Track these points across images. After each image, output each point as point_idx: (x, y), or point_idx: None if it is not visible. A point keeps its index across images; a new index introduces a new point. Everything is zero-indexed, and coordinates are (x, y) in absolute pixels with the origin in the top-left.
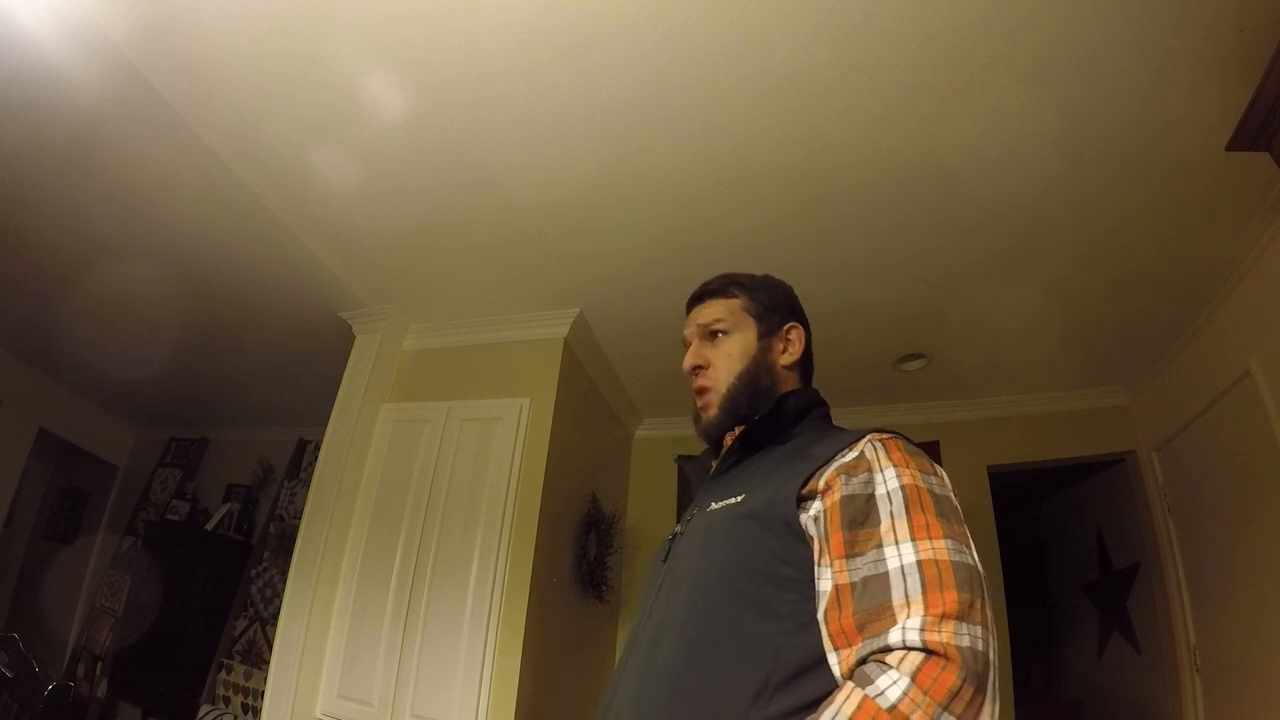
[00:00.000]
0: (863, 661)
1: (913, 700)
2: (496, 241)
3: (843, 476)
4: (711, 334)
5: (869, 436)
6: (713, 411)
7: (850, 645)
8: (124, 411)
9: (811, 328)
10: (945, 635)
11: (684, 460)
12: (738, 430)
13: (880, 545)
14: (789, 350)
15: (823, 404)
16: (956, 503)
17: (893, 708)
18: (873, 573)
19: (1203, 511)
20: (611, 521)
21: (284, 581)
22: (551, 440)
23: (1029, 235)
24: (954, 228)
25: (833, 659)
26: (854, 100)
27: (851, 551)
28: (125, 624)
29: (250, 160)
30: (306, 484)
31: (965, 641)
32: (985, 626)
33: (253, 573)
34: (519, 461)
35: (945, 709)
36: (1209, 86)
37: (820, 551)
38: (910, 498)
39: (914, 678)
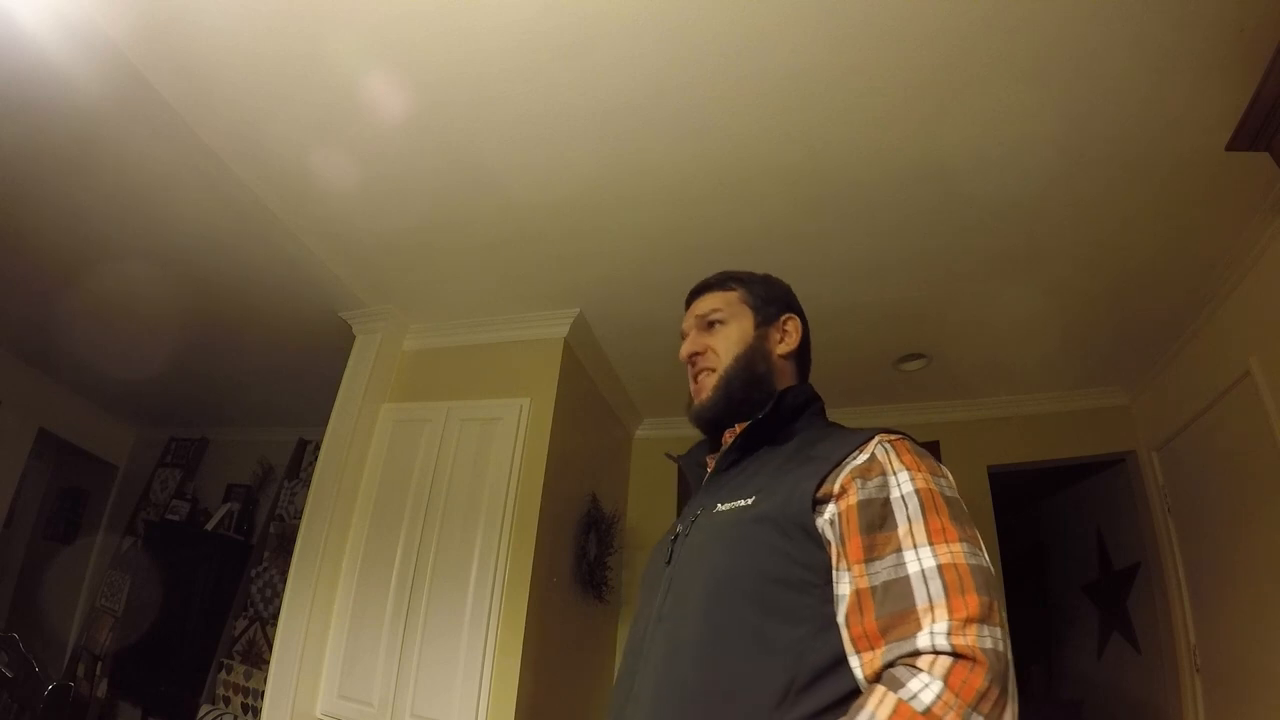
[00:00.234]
0: (890, 665)
1: (945, 703)
2: (496, 241)
3: (858, 480)
4: (709, 324)
5: (878, 437)
6: (706, 394)
7: (873, 648)
8: (124, 411)
9: (811, 328)
10: (970, 639)
11: (677, 457)
12: (738, 428)
13: (899, 549)
14: (785, 340)
15: (818, 399)
16: (963, 504)
17: (927, 710)
18: (893, 577)
19: (1203, 511)
20: (611, 521)
21: (284, 581)
22: (551, 440)
23: (1029, 235)
24: (954, 228)
25: (854, 661)
26: (854, 100)
27: (870, 555)
28: (125, 624)
29: (250, 160)
30: (306, 484)
31: (988, 644)
32: (1002, 628)
33: (253, 573)
34: (519, 461)
35: (975, 709)
36: (1209, 86)
37: (838, 556)
38: (925, 501)
39: (946, 680)
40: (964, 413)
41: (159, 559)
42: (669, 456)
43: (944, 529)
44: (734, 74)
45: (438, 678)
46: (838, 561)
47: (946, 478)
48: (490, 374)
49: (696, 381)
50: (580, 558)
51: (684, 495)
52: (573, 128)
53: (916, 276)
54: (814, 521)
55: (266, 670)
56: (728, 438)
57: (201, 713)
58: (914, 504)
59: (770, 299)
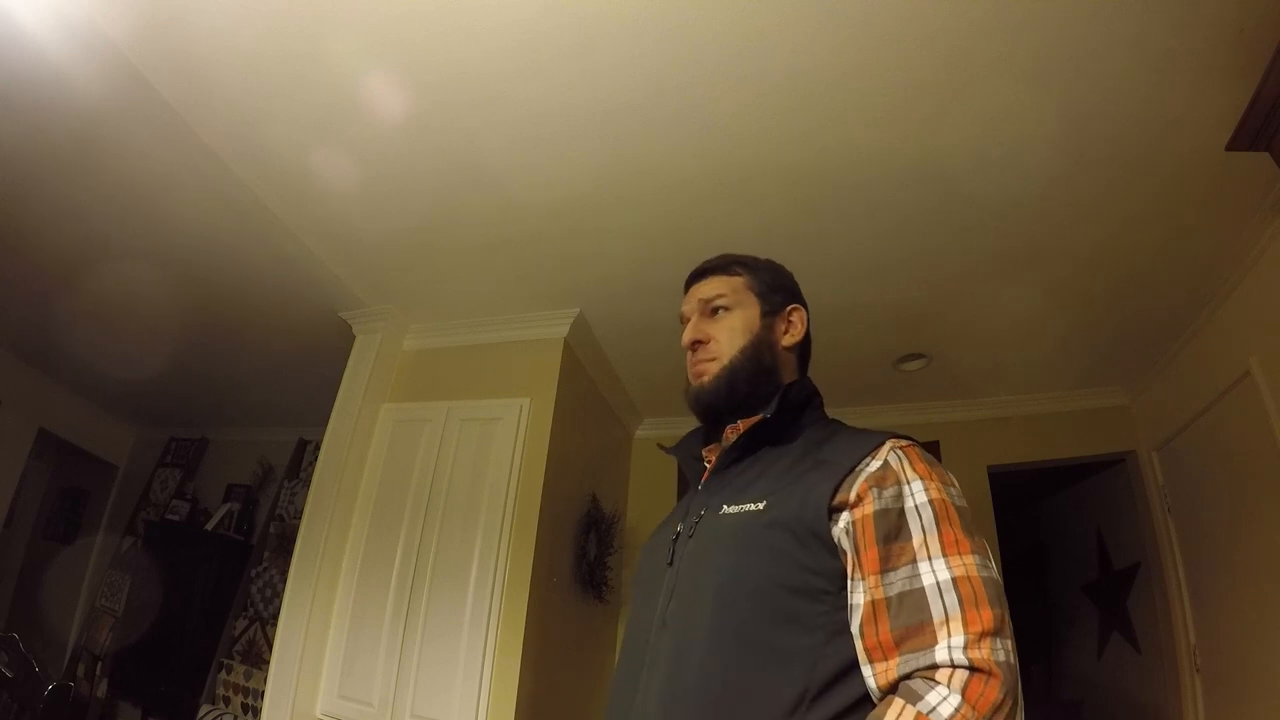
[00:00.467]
0: (906, 677)
1: (964, 715)
2: (497, 241)
3: (874, 489)
4: (713, 310)
5: (889, 444)
6: (707, 379)
7: (887, 659)
8: (124, 411)
9: (811, 328)
10: (985, 652)
11: (670, 449)
12: (741, 425)
13: (914, 560)
14: (790, 331)
15: (818, 394)
16: (970, 512)
17: None
18: (908, 588)
19: (1203, 511)
20: (611, 521)
21: (284, 581)
22: (551, 440)
23: (1029, 235)
24: (954, 228)
25: (867, 671)
26: (854, 100)
27: (885, 566)
28: (125, 624)
29: (250, 160)
30: (306, 484)
31: (1002, 656)
32: (1012, 639)
33: (253, 573)
34: (519, 461)
35: None
36: (1209, 86)
37: (853, 565)
38: (939, 512)
39: (963, 694)
40: (964, 413)
41: (159, 559)
42: (661, 448)
43: (957, 541)
44: (734, 74)
45: (438, 678)
46: (853, 571)
47: (956, 486)
48: (490, 374)
49: (696, 366)
50: (580, 558)
51: (684, 494)
52: (573, 128)
53: (917, 276)
54: (829, 529)
55: (266, 670)
56: (729, 434)
57: (201, 713)
58: (928, 515)
59: (776, 286)
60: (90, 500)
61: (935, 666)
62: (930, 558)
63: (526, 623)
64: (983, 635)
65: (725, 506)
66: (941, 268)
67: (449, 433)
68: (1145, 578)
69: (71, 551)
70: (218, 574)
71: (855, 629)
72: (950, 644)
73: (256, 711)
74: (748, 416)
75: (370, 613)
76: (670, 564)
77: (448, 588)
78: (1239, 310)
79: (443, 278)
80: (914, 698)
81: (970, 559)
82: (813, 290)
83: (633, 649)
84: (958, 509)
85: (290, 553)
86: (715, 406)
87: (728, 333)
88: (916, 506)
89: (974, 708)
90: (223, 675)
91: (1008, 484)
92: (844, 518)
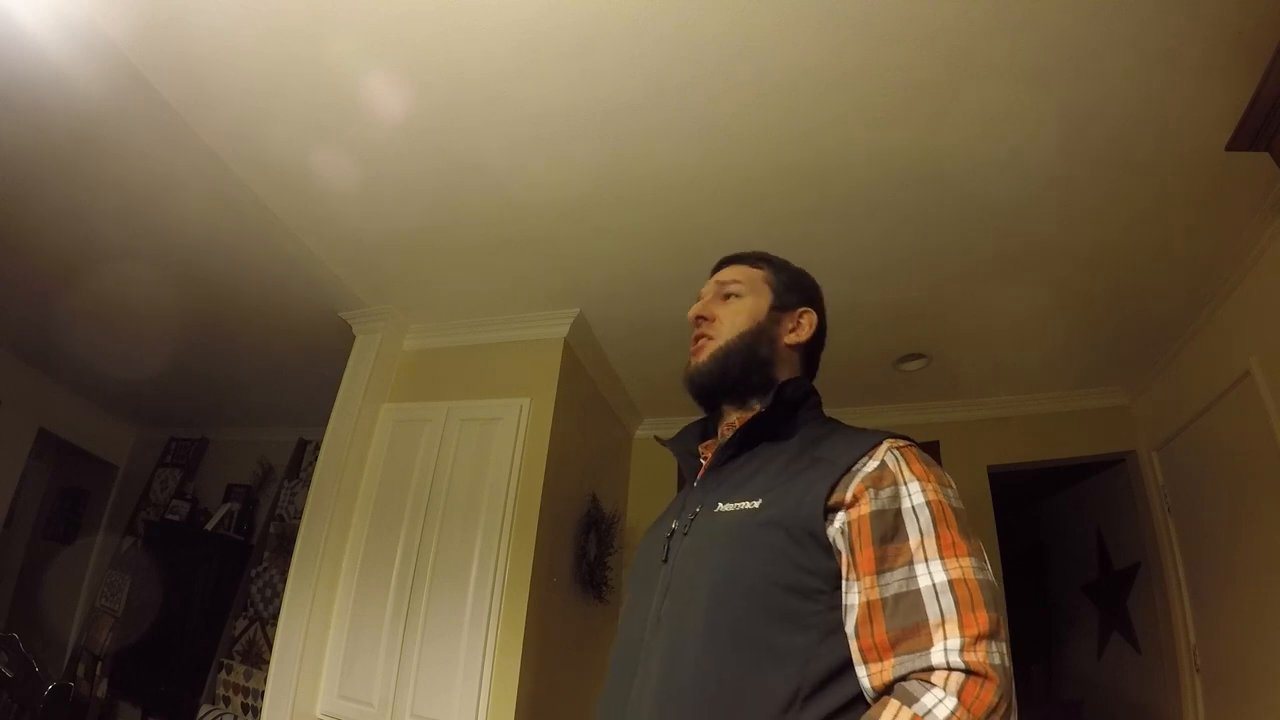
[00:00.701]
0: (901, 679)
1: (959, 718)
2: (496, 241)
3: (870, 490)
4: (726, 294)
5: (886, 444)
6: (702, 356)
7: (882, 660)
8: (124, 411)
9: (825, 338)
10: (981, 655)
11: (667, 441)
12: (736, 421)
13: (910, 562)
14: (797, 331)
15: (815, 393)
16: (967, 514)
17: None
18: (904, 590)
19: (1203, 511)
20: (611, 521)
21: (284, 581)
22: (551, 440)
23: (1029, 235)
24: (954, 228)
25: (861, 671)
26: (855, 101)
27: (881, 567)
28: (125, 624)
29: (250, 160)
30: (306, 484)
31: (997, 660)
32: (1007, 642)
33: (253, 573)
34: (519, 461)
35: None
36: (1209, 86)
37: (848, 566)
38: (936, 514)
39: (959, 696)
40: (964, 413)
41: (159, 559)
42: (658, 440)
43: (954, 543)
44: (734, 75)
45: (438, 678)
46: (848, 571)
47: (953, 487)
48: (490, 374)
49: (695, 344)
50: (580, 558)
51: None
52: (573, 128)
53: (916, 276)
54: (824, 529)
55: (266, 670)
56: (725, 431)
57: (201, 713)
58: (925, 516)
59: (794, 288)
60: (90, 500)
61: (931, 669)
62: (927, 559)
63: (526, 623)
64: (979, 638)
65: (721, 504)
66: (941, 268)
67: (449, 433)
68: (1145, 578)
69: (71, 551)
70: (218, 574)
71: (850, 629)
72: (946, 646)
73: (256, 711)
74: (738, 404)
75: (370, 613)
76: (665, 561)
77: (448, 588)
78: (1239, 310)
79: (443, 278)
80: (910, 700)
81: (967, 561)
82: None
83: (627, 646)
84: (954, 510)
85: (290, 553)
86: (706, 387)
87: (732, 315)
88: (914, 508)
89: (969, 711)
90: (223, 675)
91: (1008, 484)
92: (840, 518)
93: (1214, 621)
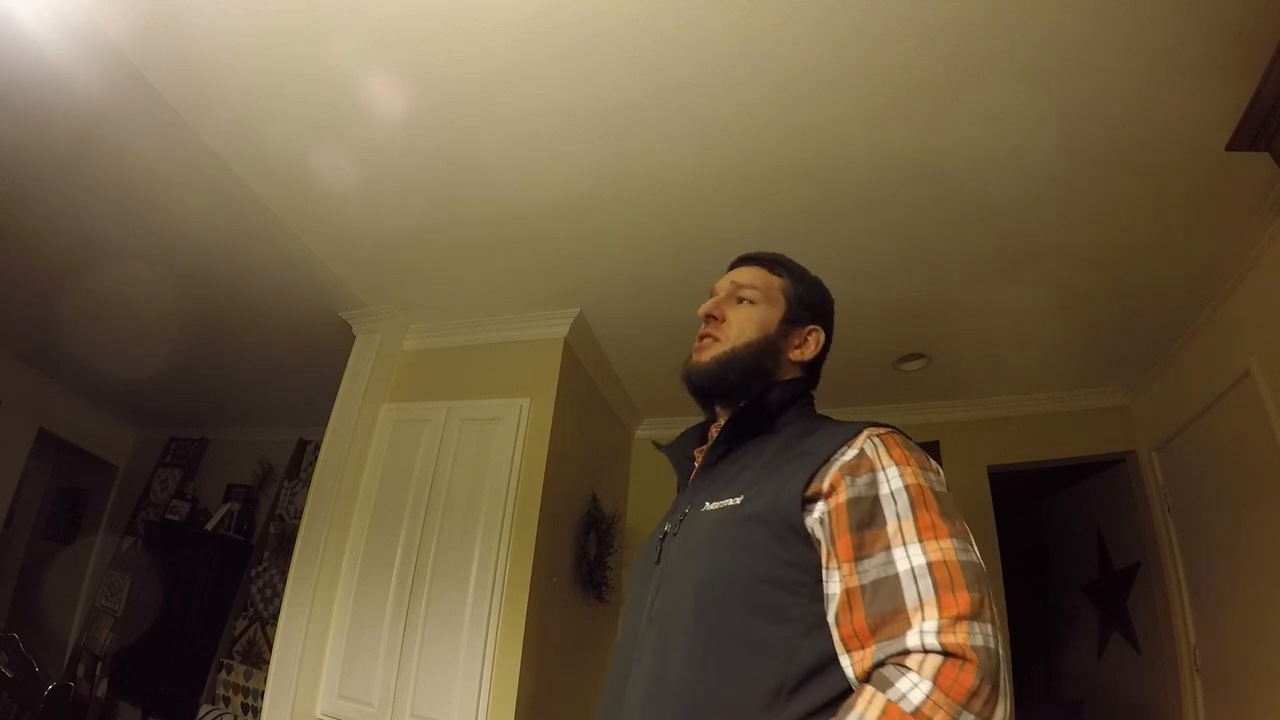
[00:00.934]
0: (880, 665)
1: (935, 702)
2: (497, 241)
3: (847, 477)
4: (739, 297)
5: (866, 432)
6: (705, 357)
7: (863, 647)
8: (124, 411)
9: (827, 358)
10: (960, 637)
11: (664, 446)
12: (721, 420)
13: (888, 547)
14: (803, 348)
15: (806, 394)
16: (952, 498)
17: (916, 710)
18: (882, 575)
19: (1203, 511)
20: (611, 521)
21: (284, 581)
22: (551, 440)
23: (1029, 235)
24: (954, 228)
25: (845, 661)
26: (854, 101)
27: (860, 554)
28: (125, 624)
29: (250, 160)
30: (306, 484)
31: (979, 641)
32: (994, 624)
33: (253, 573)
34: (519, 461)
35: (965, 708)
36: (1209, 86)
37: (827, 555)
38: (915, 497)
39: (935, 680)
40: (964, 413)
41: (159, 559)
42: (656, 446)
43: (934, 525)
44: (734, 75)
45: (438, 678)
46: (827, 560)
47: (936, 471)
48: (490, 374)
49: (700, 342)
50: (580, 558)
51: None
52: (573, 128)
53: (916, 276)
54: (803, 521)
55: (266, 670)
56: (713, 431)
57: (201, 713)
58: (903, 500)
59: (808, 303)
60: (90, 500)
61: (907, 652)
62: (905, 543)
63: (526, 623)
64: (958, 619)
65: (708, 503)
66: (941, 268)
67: (449, 433)
68: (1145, 578)
69: (71, 551)
70: (218, 574)
71: (831, 618)
72: (923, 629)
73: (256, 711)
74: (731, 407)
75: (370, 613)
76: (658, 562)
77: (448, 588)
78: (1239, 310)
79: (443, 278)
80: (885, 685)
81: (948, 543)
82: None
83: (624, 647)
84: (936, 494)
85: (290, 553)
86: (703, 388)
87: (742, 322)
88: (892, 493)
89: (947, 694)
90: (223, 675)
91: (1008, 484)
92: (819, 508)
93: (1214, 621)
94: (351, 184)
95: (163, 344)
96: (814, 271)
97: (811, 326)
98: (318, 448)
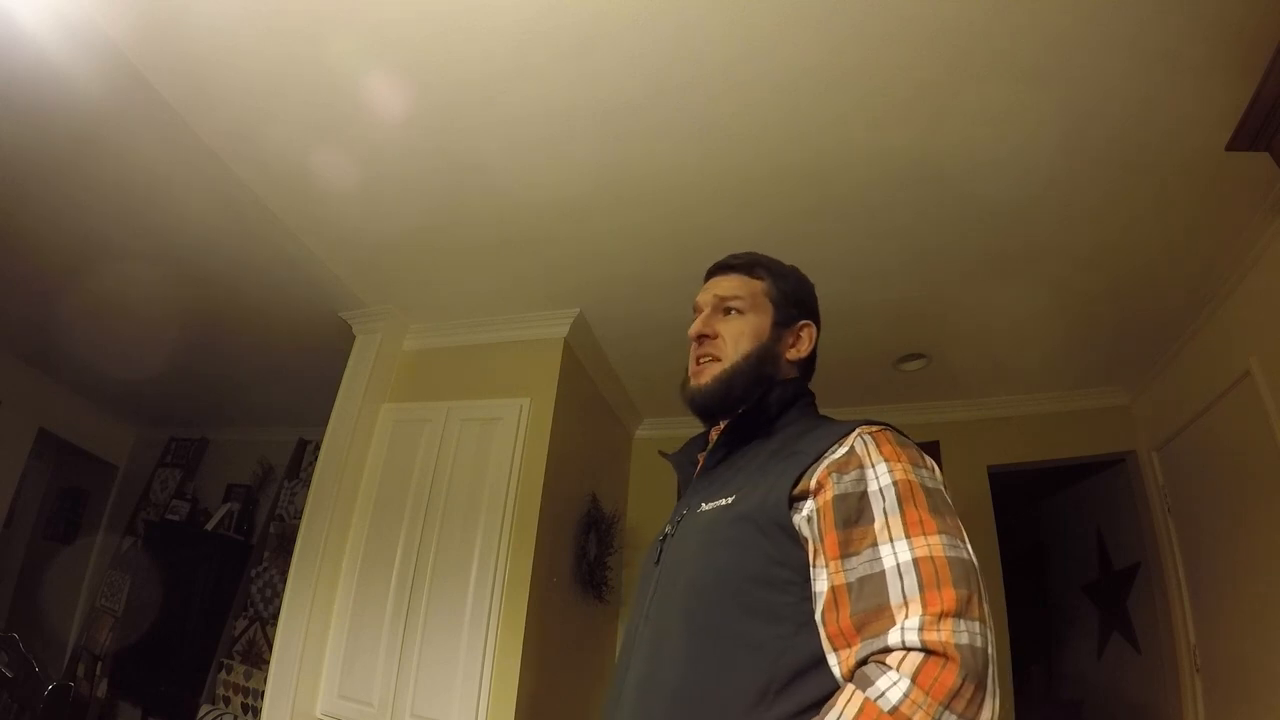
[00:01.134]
0: (863, 663)
1: (914, 701)
2: (496, 241)
3: (834, 475)
4: (726, 309)
5: (858, 430)
6: (705, 379)
7: (849, 646)
8: (124, 411)
9: (819, 347)
10: (944, 634)
11: (670, 455)
12: (722, 424)
13: (875, 544)
14: (797, 346)
15: (808, 394)
16: (948, 495)
17: (894, 709)
18: (868, 572)
19: (1203, 511)
20: (611, 521)
21: (284, 581)
22: (551, 440)
23: (1029, 235)
24: (954, 228)
25: (832, 660)
26: (854, 101)
27: (846, 551)
28: (125, 624)
29: (250, 160)
30: (306, 484)
31: (964, 639)
32: (983, 621)
33: (253, 573)
34: (519, 461)
35: (946, 708)
36: (1209, 86)
37: (815, 552)
38: (903, 493)
39: (914, 679)
40: (964, 413)
41: (159, 559)
42: (662, 454)
43: (922, 520)
44: (734, 75)
45: (438, 678)
46: (815, 558)
47: (929, 468)
48: (490, 374)
49: (698, 364)
50: (580, 558)
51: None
52: (573, 128)
53: (916, 277)
54: (791, 520)
55: (266, 670)
56: (714, 435)
57: (201, 713)
58: (891, 496)
59: (793, 299)
60: (90, 500)
61: (888, 650)
62: (892, 540)
63: (526, 623)
64: (943, 616)
65: (704, 504)
66: (941, 268)
67: (449, 433)
68: (1145, 578)
69: (71, 551)
70: (218, 574)
71: (818, 617)
72: (904, 626)
73: (256, 711)
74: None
75: (370, 613)
76: (657, 563)
77: (448, 588)
78: (1239, 310)
79: (443, 278)
80: (865, 683)
81: (936, 539)
82: None
83: (625, 647)
84: (927, 490)
85: (290, 553)
86: (708, 407)
87: (735, 335)
88: (880, 489)
89: (927, 693)
90: (223, 675)
91: (1008, 484)
92: (807, 506)
93: (1214, 621)
94: (351, 184)
95: (163, 344)
96: (814, 271)
97: (803, 322)
98: (318, 448)
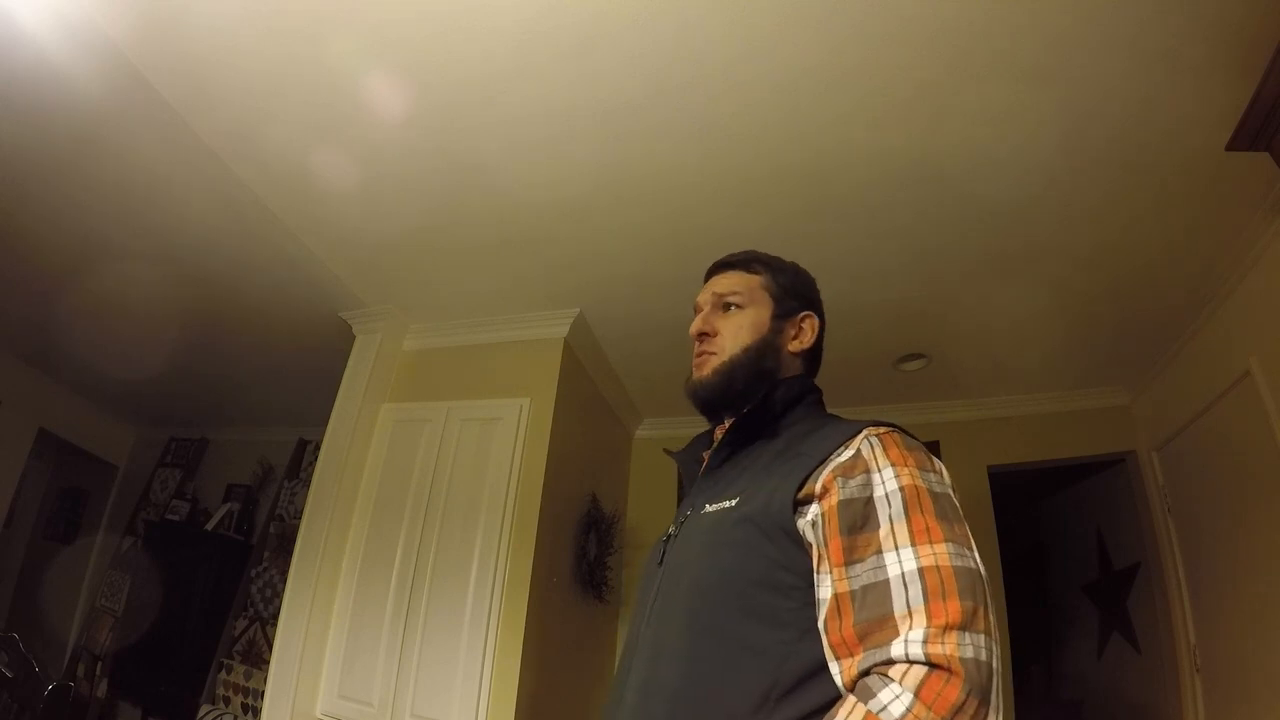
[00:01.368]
0: (865, 674)
1: (916, 716)
2: (496, 241)
3: (840, 479)
4: (725, 305)
5: (865, 432)
6: (706, 371)
7: (851, 655)
8: (124, 411)
9: (824, 338)
10: (949, 647)
11: (675, 453)
12: (727, 423)
13: (880, 551)
14: (799, 338)
15: (814, 390)
16: (956, 499)
17: None
18: (872, 580)
19: (1203, 511)
20: (611, 521)
21: (284, 581)
22: (551, 440)
23: (1029, 235)
24: (954, 228)
25: (834, 668)
26: (854, 101)
27: (850, 558)
28: (125, 624)
29: (250, 160)
30: (306, 484)
31: (969, 653)
32: (988, 634)
33: (253, 573)
34: (519, 461)
35: None
36: (1209, 86)
37: (819, 558)
38: (909, 499)
39: (917, 693)
40: (964, 413)
41: (159, 559)
42: (667, 452)
43: (929, 528)
44: (734, 75)
45: (438, 678)
46: (819, 564)
47: (937, 471)
48: (490, 374)
49: (699, 358)
50: (580, 558)
51: (685, 495)
52: (573, 128)
53: (916, 277)
54: (795, 524)
55: (266, 670)
56: (719, 434)
57: (201, 713)
58: (897, 502)
59: (793, 291)
60: (90, 500)
61: (891, 662)
62: (897, 547)
63: (526, 623)
64: (947, 629)
65: (707, 505)
66: (941, 268)
67: (449, 433)
68: (1145, 578)
69: (71, 551)
70: (218, 574)
71: (821, 625)
72: (908, 638)
73: (256, 711)
74: (738, 412)
75: (370, 613)
76: (660, 564)
77: (448, 588)
78: (1239, 310)
79: (443, 278)
80: (867, 695)
81: (943, 547)
82: None
83: (627, 649)
84: (934, 495)
85: (290, 553)
86: (710, 401)
87: (734, 330)
88: (886, 494)
89: (930, 708)
90: (223, 675)
91: (1008, 484)
92: (812, 510)
93: (1214, 621)
94: (351, 184)
95: (163, 344)
96: (813, 271)
97: (804, 313)
98: (318, 448)
